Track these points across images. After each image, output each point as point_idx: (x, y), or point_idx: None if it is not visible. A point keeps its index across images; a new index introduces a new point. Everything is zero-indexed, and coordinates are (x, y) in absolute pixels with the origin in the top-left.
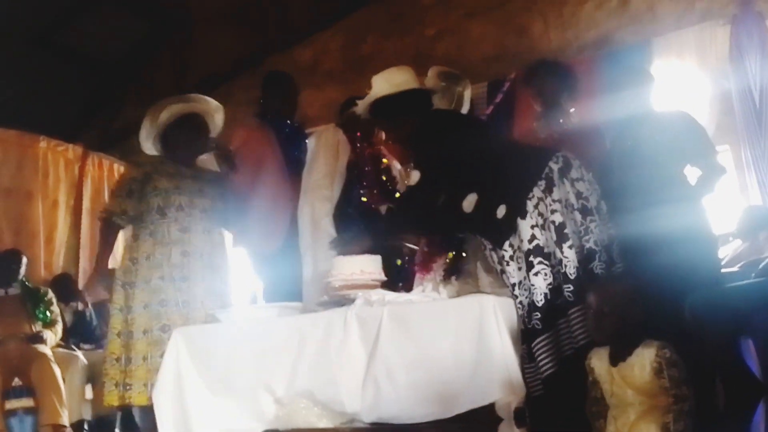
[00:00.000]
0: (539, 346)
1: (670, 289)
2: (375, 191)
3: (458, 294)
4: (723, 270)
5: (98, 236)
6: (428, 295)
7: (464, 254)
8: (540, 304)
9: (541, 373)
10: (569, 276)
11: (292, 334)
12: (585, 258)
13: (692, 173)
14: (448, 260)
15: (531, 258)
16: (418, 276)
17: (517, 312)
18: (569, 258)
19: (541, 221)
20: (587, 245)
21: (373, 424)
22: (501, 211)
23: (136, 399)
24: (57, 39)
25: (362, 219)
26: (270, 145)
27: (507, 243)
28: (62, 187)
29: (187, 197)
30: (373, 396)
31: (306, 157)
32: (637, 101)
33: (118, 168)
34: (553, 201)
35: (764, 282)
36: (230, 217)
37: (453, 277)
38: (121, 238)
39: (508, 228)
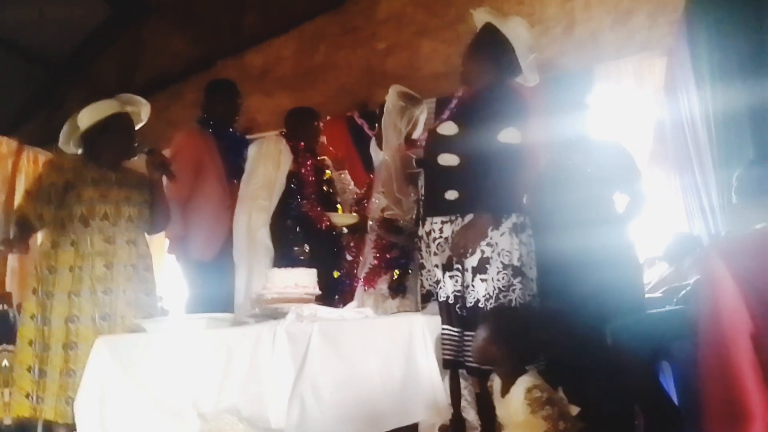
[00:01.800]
0: (442, 330)
1: (592, 313)
2: (316, 202)
3: (398, 310)
4: (646, 295)
5: (13, 239)
6: (360, 311)
7: (410, 271)
8: (441, 300)
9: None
10: (467, 303)
11: (221, 348)
12: (490, 302)
13: (620, 200)
14: (394, 277)
15: (453, 261)
16: (361, 289)
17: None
18: (476, 289)
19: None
20: (503, 299)
21: None
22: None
23: (48, 413)
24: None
25: (301, 230)
26: (210, 151)
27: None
28: None
29: (113, 206)
30: (299, 413)
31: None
32: (574, 126)
33: None
34: (491, 243)
35: (684, 310)
36: (161, 223)
37: (400, 295)
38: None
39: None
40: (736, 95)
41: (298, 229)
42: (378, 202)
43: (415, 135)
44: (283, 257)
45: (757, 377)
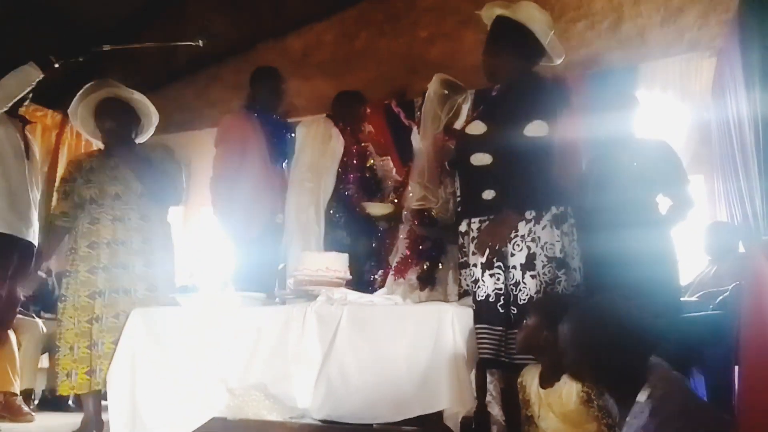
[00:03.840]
0: (481, 331)
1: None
2: (358, 188)
3: (425, 301)
4: (682, 298)
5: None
6: (390, 298)
7: (441, 264)
8: (480, 299)
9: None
10: (519, 301)
11: (251, 326)
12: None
13: (664, 202)
14: (425, 267)
15: (494, 259)
16: (391, 278)
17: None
18: (528, 286)
19: (518, 237)
20: (551, 288)
21: (323, 421)
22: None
23: (87, 386)
24: (45, 1)
25: (344, 215)
26: (254, 133)
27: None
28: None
29: (122, 185)
30: (324, 394)
31: (291, 148)
32: (620, 125)
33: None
34: (535, 236)
35: (718, 316)
36: (176, 190)
37: (428, 288)
38: None
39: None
40: None
41: (339, 215)
42: (412, 192)
43: (457, 124)
44: (328, 241)
45: None
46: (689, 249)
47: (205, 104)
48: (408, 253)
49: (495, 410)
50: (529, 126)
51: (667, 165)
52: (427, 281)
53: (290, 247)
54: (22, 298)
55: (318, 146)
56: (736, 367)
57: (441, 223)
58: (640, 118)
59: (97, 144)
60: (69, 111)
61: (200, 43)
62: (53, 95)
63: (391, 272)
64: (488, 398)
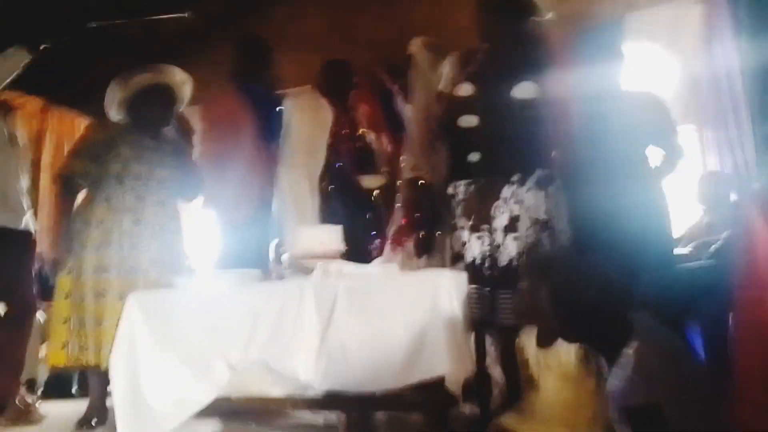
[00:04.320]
0: (470, 293)
1: (621, 268)
2: (350, 160)
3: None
4: (676, 250)
5: (57, 197)
6: (386, 267)
7: (438, 232)
8: (468, 261)
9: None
10: (499, 263)
11: (249, 303)
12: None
13: (655, 153)
14: (421, 236)
15: (480, 222)
16: (389, 248)
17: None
18: (509, 248)
19: (500, 201)
20: (533, 255)
21: (326, 392)
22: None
23: (92, 359)
24: None
25: (337, 188)
26: (242, 109)
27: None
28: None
29: (146, 167)
30: (326, 365)
31: (280, 122)
32: (607, 78)
33: (80, 124)
34: (518, 199)
35: (712, 265)
36: (196, 184)
37: (425, 255)
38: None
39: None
40: None
41: (333, 187)
42: (406, 161)
43: (440, 87)
44: (323, 213)
45: None
46: (682, 200)
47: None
48: (404, 222)
49: (496, 372)
50: (517, 87)
51: (656, 116)
52: (425, 248)
53: (285, 221)
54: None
55: (307, 118)
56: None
57: (433, 190)
58: (627, 71)
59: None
60: (121, 87)
61: (186, 14)
62: (33, 80)
63: (389, 243)
64: (488, 360)
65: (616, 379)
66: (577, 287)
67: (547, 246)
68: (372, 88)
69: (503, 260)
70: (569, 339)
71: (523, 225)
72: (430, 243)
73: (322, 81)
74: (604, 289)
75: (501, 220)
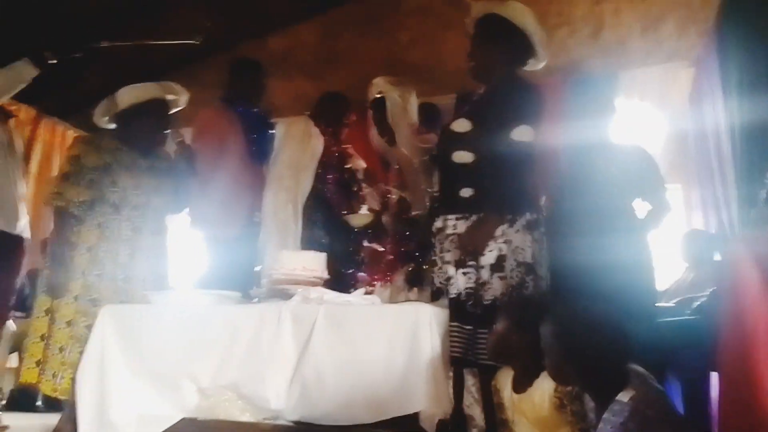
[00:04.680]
0: (452, 329)
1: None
2: (337, 189)
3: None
4: (659, 304)
5: (53, 226)
6: (367, 298)
7: (426, 266)
8: (452, 297)
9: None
10: (483, 300)
11: (225, 325)
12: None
13: (642, 207)
14: (410, 269)
15: (467, 258)
16: (378, 282)
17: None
18: (494, 286)
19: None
20: (517, 296)
21: (297, 422)
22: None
23: (46, 388)
24: None
25: (322, 216)
26: (233, 129)
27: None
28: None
29: (144, 197)
30: (299, 394)
31: (270, 145)
32: (597, 130)
33: (70, 136)
34: (507, 239)
35: (695, 321)
36: (185, 201)
37: (416, 287)
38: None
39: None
40: (762, 107)
41: (317, 214)
42: (393, 195)
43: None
44: (305, 240)
45: None
46: (666, 256)
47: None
48: (392, 257)
49: (476, 412)
50: (517, 130)
51: (644, 170)
52: (414, 281)
53: (267, 245)
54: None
55: (297, 144)
56: (713, 374)
57: (421, 223)
58: (618, 124)
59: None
60: (119, 98)
61: (197, 41)
62: (27, 90)
63: (377, 278)
64: (470, 400)
65: (609, 425)
66: (584, 332)
67: (531, 290)
68: (365, 123)
69: (488, 298)
70: (564, 382)
71: (509, 265)
72: (419, 276)
73: (317, 110)
74: (609, 335)
75: (488, 258)
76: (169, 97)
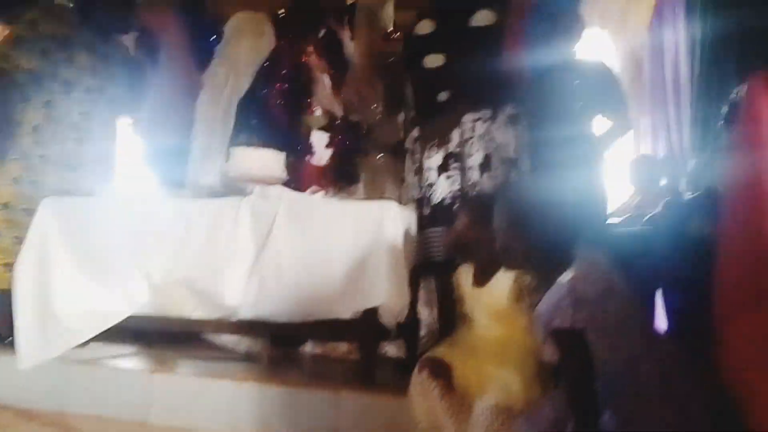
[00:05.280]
0: (432, 234)
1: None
2: (283, 98)
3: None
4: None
5: None
6: (326, 198)
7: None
8: (436, 202)
9: (428, 255)
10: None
11: (178, 219)
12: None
13: (602, 123)
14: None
15: (449, 161)
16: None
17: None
18: (484, 186)
19: (475, 138)
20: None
21: (253, 319)
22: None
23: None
24: None
25: (261, 121)
26: (177, 36)
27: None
28: None
29: (98, 81)
30: (256, 291)
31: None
32: (565, 46)
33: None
34: (491, 137)
35: (646, 232)
36: (131, 103)
37: (354, 184)
38: None
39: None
40: (726, 22)
41: (252, 117)
42: (345, 98)
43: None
44: (234, 141)
45: None
46: (614, 179)
47: None
48: (332, 159)
49: (424, 314)
50: (475, 16)
51: (607, 86)
52: (349, 178)
53: (194, 144)
54: None
55: (245, 41)
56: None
57: (365, 124)
58: (582, 41)
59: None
60: None
61: None
62: None
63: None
64: (420, 301)
65: (546, 303)
66: (529, 214)
67: (513, 185)
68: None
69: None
70: (511, 264)
71: (496, 162)
72: (353, 172)
73: (287, 18)
74: (555, 216)
75: (476, 158)
76: None
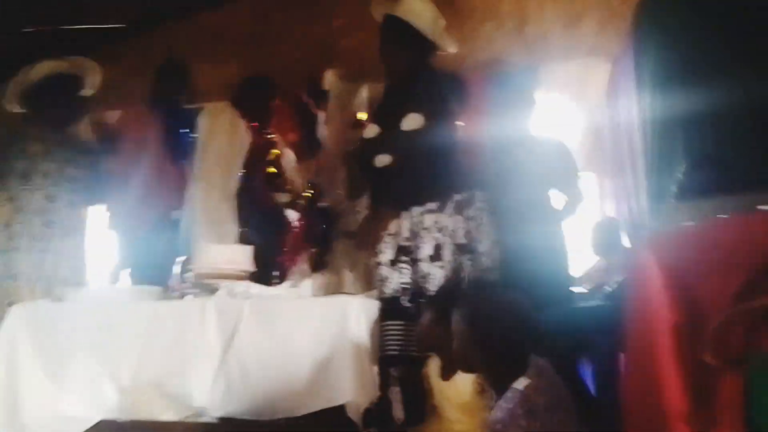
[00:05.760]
0: (388, 328)
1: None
2: (264, 181)
3: (322, 288)
4: (574, 289)
5: None
6: (295, 291)
7: (330, 250)
8: (386, 295)
9: (384, 349)
10: (428, 292)
11: (144, 320)
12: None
13: (558, 197)
14: (315, 252)
15: (400, 254)
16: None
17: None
18: (435, 277)
19: (424, 230)
20: (455, 280)
21: (222, 418)
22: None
23: None
24: None
25: (247, 208)
26: (153, 131)
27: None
28: None
29: (56, 165)
30: (224, 389)
31: (192, 143)
32: (518, 123)
33: None
34: (441, 226)
35: (606, 307)
36: (103, 194)
37: (320, 272)
38: None
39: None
40: (673, 104)
41: (246, 208)
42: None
43: (361, 112)
44: (241, 237)
45: (680, 376)
46: (581, 243)
47: (108, 83)
48: (299, 238)
49: (396, 398)
50: (404, 120)
51: (561, 162)
52: (318, 266)
53: (196, 239)
54: None
55: (224, 137)
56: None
57: (333, 210)
58: (538, 116)
59: None
60: (24, 77)
61: (125, 25)
62: None
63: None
64: (394, 389)
65: (500, 411)
66: (486, 320)
67: (469, 270)
68: (293, 109)
69: (431, 289)
70: (468, 368)
71: (447, 251)
72: (325, 259)
73: (239, 98)
74: (513, 325)
75: (426, 250)
76: (80, 72)
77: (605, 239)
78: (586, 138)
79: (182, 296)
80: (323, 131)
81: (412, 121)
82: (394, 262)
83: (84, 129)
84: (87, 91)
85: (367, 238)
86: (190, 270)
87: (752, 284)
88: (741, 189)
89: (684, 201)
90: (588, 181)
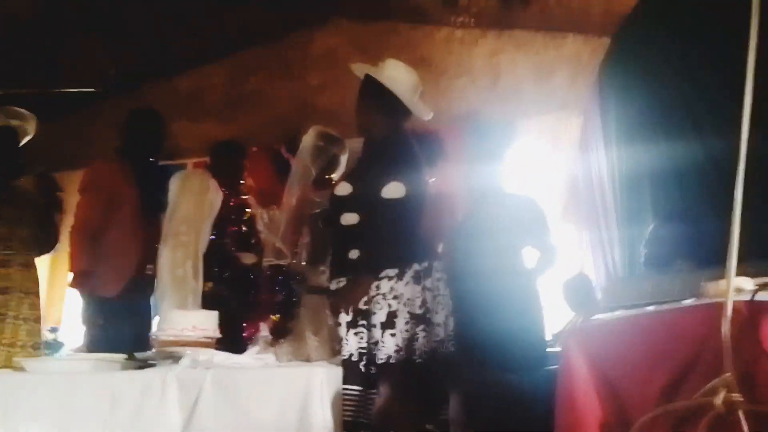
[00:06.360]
0: (346, 392)
1: (498, 364)
2: (235, 242)
3: (285, 356)
4: (549, 349)
5: None
6: (261, 358)
7: (293, 316)
8: (344, 358)
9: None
10: (377, 360)
11: (105, 393)
12: (400, 355)
13: (532, 254)
14: (275, 320)
15: (358, 318)
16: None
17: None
18: (387, 345)
19: (379, 296)
20: (408, 351)
21: None
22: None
23: None
24: None
25: (230, 272)
26: (126, 182)
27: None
28: None
29: (7, 228)
30: None
31: (165, 197)
32: (492, 177)
33: None
34: (396, 294)
35: None
36: (54, 235)
37: (281, 340)
38: None
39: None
40: (638, 159)
41: (219, 269)
42: (266, 246)
43: (336, 175)
44: (207, 296)
45: None
46: (556, 300)
47: (83, 144)
48: (261, 305)
49: None
50: (386, 188)
51: (533, 219)
52: (280, 333)
53: (163, 303)
54: None
55: (194, 198)
56: None
57: (296, 275)
58: (512, 170)
59: None
60: None
61: (95, 90)
62: None
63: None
64: None
65: None
66: (494, 407)
67: (422, 341)
68: (273, 166)
69: (381, 357)
70: None
71: (401, 320)
72: (285, 327)
73: (211, 162)
74: (515, 412)
75: (379, 316)
76: (15, 123)
77: (574, 296)
78: (563, 189)
79: (144, 366)
80: (288, 191)
81: (394, 190)
82: (351, 324)
83: (28, 183)
84: (24, 140)
85: (346, 304)
86: (154, 336)
87: (678, 382)
88: (706, 252)
89: (650, 266)
90: (567, 232)
